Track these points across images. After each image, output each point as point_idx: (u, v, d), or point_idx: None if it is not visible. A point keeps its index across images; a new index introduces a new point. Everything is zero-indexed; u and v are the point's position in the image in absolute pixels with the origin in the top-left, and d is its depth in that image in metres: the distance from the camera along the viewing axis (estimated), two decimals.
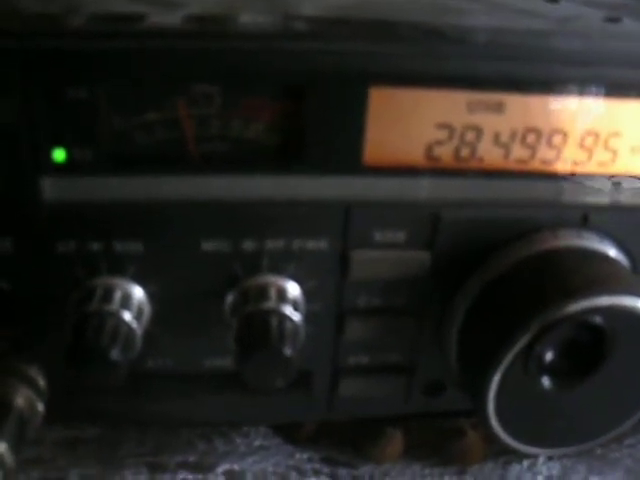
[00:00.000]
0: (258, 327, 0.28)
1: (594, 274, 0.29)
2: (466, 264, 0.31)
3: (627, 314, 0.29)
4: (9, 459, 0.27)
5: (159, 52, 0.27)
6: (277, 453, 0.38)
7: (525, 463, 0.39)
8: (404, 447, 0.39)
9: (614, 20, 0.35)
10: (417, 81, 0.28)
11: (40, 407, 0.30)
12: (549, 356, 0.29)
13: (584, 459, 0.39)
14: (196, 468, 0.36)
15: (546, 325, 0.28)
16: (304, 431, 0.39)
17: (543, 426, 0.31)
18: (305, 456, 0.38)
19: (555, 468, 0.39)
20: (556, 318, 0.28)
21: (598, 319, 0.29)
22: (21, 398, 0.30)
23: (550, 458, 0.38)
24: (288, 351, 0.27)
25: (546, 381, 0.29)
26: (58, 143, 0.27)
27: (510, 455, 0.39)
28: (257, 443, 0.38)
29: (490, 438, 0.39)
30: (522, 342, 0.28)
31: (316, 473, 0.37)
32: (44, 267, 0.29)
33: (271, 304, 0.29)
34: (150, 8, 0.29)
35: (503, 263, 0.31)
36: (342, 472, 0.38)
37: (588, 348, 0.29)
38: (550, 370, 0.29)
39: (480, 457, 0.39)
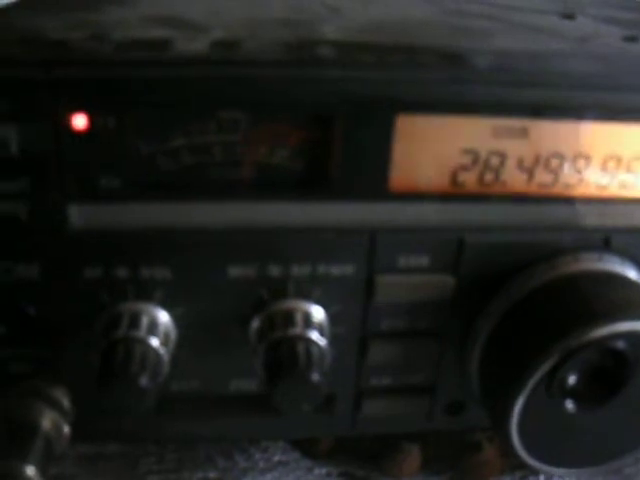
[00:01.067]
0: (286, 354, 0.28)
1: (616, 299, 0.30)
2: (489, 288, 0.31)
3: None
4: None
5: (187, 80, 0.27)
6: (296, 468, 0.38)
7: (542, 478, 0.39)
8: (421, 461, 0.39)
9: (632, 39, 0.35)
10: (443, 108, 0.28)
11: (66, 429, 0.31)
12: (572, 380, 0.30)
13: (600, 474, 0.39)
14: None
15: (569, 351, 0.28)
16: (322, 446, 0.39)
17: (566, 447, 0.31)
18: (324, 471, 0.38)
19: None
20: (579, 344, 0.28)
21: (620, 344, 0.29)
22: (47, 420, 0.30)
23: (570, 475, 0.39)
24: (316, 377, 0.27)
25: (569, 404, 0.30)
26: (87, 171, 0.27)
27: (527, 469, 0.39)
28: (276, 458, 0.39)
29: (507, 452, 0.40)
30: (545, 367, 0.28)
31: None
32: (71, 293, 0.29)
33: (297, 330, 0.29)
34: (175, 32, 0.30)
35: (525, 287, 0.31)
36: None
37: (610, 371, 0.30)
38: (573, 393, 0.30)
39: (497, 471, 0.39)
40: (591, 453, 0.32)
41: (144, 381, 0.27)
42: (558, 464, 0.32)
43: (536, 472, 0.39)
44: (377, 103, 0.28)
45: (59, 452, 0.31)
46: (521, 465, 0.39)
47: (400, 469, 0.39)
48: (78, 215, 0.28)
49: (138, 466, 0.37)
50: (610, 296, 0.30)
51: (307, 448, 0.39)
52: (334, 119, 0.28)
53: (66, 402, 0.31)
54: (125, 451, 0.38)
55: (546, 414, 0.30)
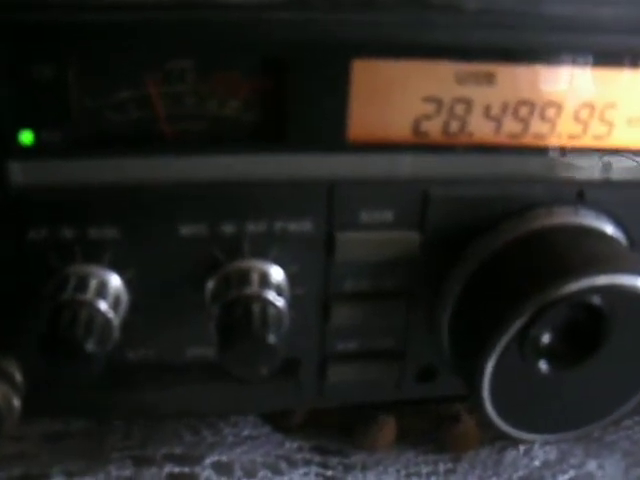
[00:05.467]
0: (240, 314, 0.26)
1: (592, 253, 0.28)
2: (457, 244, 0.30)
3: (626, 294, 0.27)
4: None
5: (128, 25, 0.25)
6: (266, 443, 0.37)
7: (521, 448, 0.38)
8: (397, 434, 0.38)
9: None
10: (403, 52, 0.27)
11: (16, 403, 0.29)
12: (546, 339, 0.28)
13: (581, 443, 0.38)
14: (183, 460, 0.35)
15: (542, 307, 0.27)
16: (293, 419, 0.38)
17: (540, 411, 0.30)
18: (295, 445, 0.37)
19: (552, 452, 0.38)
20: (553, 299, 0.27)
21: (596, 299, 0.27)
22: None
23: (546, 442, 0.37)
24: (272, 338, 0.26)
25: (543, 365, 0.28)
26: (25, 124, 0.26)
27: (506, 441, 0.38)
28: (246, 433, 0.37)
29: (485, 424, 0.38)
30: (517, 325, 0.27)
31: (306, 463, 0.36)
32: (15, 255, 0.28)
33: (253, 289, 0.27)
34: None
35: (496, 242, 0.29)
36: (333, 461, 0.37)
37: (586, 329, 0.28)
38: (547, 353, 0.28)
39: (475, 443, 0.38)
40: (566, 418, 0.31)
41: (90, 346, 0.25)
42: (532, 430, 0.31)
43: (515, 443, 0.38)
44: (331, 47, 0.26)
45: (9, 427, 0.29)
46: (501, 436, 0.38)
47: (375, 441, 0.37)
48: (19, 172, 0.26)
49: (102, 444, 0.36)
50: (585, 250, 0.29)
51: (278, 422, 0.38)
52: (286, 66, 0.26)
53: (16, 374, 0.30)
54: (89, 429, 0.37)
55: (519, 376, 0.29)
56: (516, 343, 0.27)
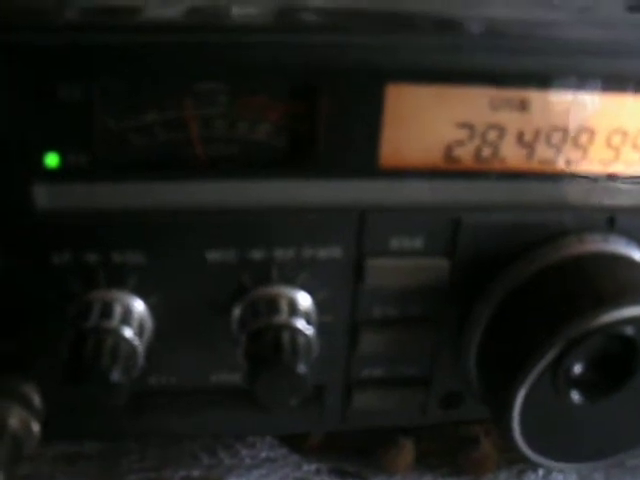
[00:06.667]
0: (269, 343, 0.26)
1: (625, 282, 0.28)
2: (487, 272, 0.29)
3: None
4: None
5: (159, 47, 0.25)
6: (284, 465, 0.36)
7: (540, 472, 0.38)
8: (416, 456, 0.37)
9: (636, 9, 0.33)
10: (436, 77, 0.26)
11: (35, 427, 0.29)
12: (577, 369, 0.28)
13: (601, 467, 0.38)
14: None
15: (576, 337, 0.26)
16: (311, 441, 0.37)
17: (570, 440, 0.30)
18: (313, 467, 0.37)
19: (571, 477, 0.37)
20: (586, 330, 0.26)
21: (629, 330, 0.27)
22: (15, 419, 0.28)
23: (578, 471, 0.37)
24: (301, 368, 0.25)
25: (575, 395, 0.28)
26: (51, 147, 0.25)
27: (524, 464, 0.38)
28: (263, 455, 0.37)
29: (504, 446, 0.38)
30: (550, 356, 0.27)
31: None
32: (37, 280, 0.27)
33: (282, 318, 0.27)
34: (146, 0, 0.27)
35: (526, 270, 0.29)
36: None
37: (618, 360, 0.28)
38: (579, 383, 0.28)
39: (493, 466, 0.38)
40: (596, 447, 0.30)
41: (115, 375, 0.25)
42: (561, 458, 0.30)
43: (534, 467, 0.38)
44: (365, 72, 0.25)
45: (28, 452, 0.29)
46: (518, 459, 0.38)
47: (394, 464, 0.37)
48: (43, 195, 0.26)
49: (118, 465, 0.35)
50: (617, 279, 0.28)
51: (295, 444, 0.37)
52: (319, 90, 0.26)
53: (36, 399, 0.29)
54: (105, 449, 0.36)
55: (550, 406, 0.28)
56: (548, 374, 0.27)
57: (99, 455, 0.36)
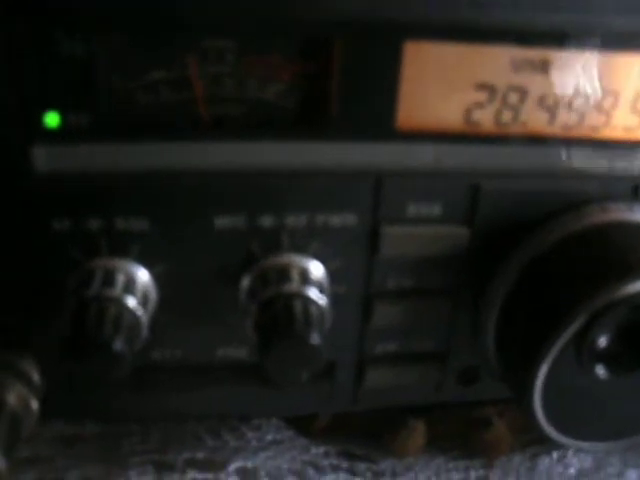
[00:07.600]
0: (281, 313, 0.25)
1: None
2: (507, 240, 0.28)
3: None
4: (1, 463, 0.24)
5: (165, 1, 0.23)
6: (291, 448, 0.35)
7: (555, 455, 0.37)
8: (427, 439, 0.36)
9: None
10: (456, 35, 0.25)
11: (34, 405, 0.27)
12: (602, 342, 0.26)
13: (618, 450, 0.36)
14: (206, 466, 0.33)
15: (600, 309, 0.25)
16: (319, 423, 0.36)
17: (591, 419, 0.28)
18: (321, 450, 0.35)
19: (587, 460, 0.36)
20: (611, 300, 0.25)
21: None
22: (13, 395, 0.27)
23: (596, 451, 0.36)
24: (315, 338, 0.24)
25: (600, 370, 0.27)
26: (50, 106, 0.24)
27: (538, 446, 0.37)
28: (269, 437, 0.36)
29: (517, 428, 0.37)
30: (574, 328, 0.25)
31: (334, 469, 0.35)
32: (37, 247, 0.26)
33: (294, 286, 0.25)
34: None
35: (548, 239, 0.28)
36: (361, 467, 0.35)
37: None
38: (604, 357, 0.27)
39: (507, 448, 0.37)
40: (616, 426, 0.29)
41: (118, 345, 0.24)
42: (581, 437, 0.29)
43: (548, 450, 0.36)
44: (382, 27, 0.24)
45: (27, 430, 0.27)
46: (532, 442, 0.37)
47: (404, 447, 0.36)
48: (43, 157, 0.25)
49: (120, 447, 0.34)
50: None
51: (303, 425, 0.36)
52: (333, 47, 0.24)
53: (35, 375, 0.28)
54: (106, 431, 0.35)
55: (573, 381, 0.27)
56: (572, 347, 0.26)
57: (99, 436, 0.34)
